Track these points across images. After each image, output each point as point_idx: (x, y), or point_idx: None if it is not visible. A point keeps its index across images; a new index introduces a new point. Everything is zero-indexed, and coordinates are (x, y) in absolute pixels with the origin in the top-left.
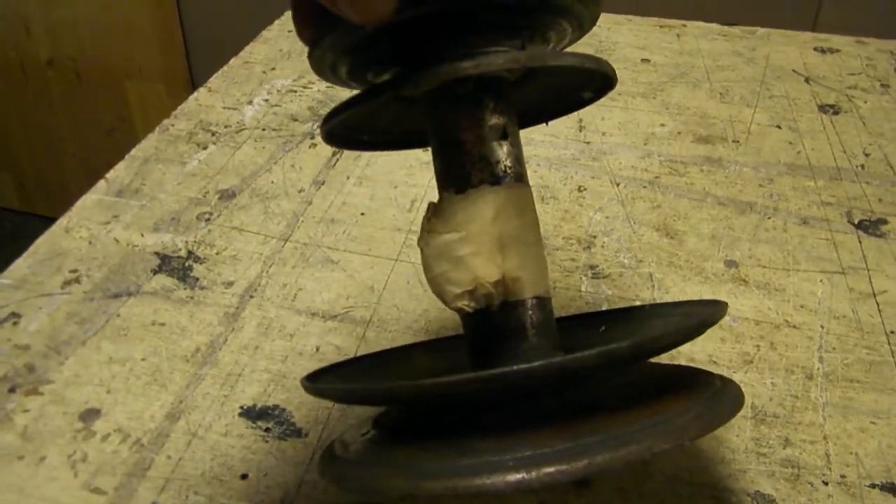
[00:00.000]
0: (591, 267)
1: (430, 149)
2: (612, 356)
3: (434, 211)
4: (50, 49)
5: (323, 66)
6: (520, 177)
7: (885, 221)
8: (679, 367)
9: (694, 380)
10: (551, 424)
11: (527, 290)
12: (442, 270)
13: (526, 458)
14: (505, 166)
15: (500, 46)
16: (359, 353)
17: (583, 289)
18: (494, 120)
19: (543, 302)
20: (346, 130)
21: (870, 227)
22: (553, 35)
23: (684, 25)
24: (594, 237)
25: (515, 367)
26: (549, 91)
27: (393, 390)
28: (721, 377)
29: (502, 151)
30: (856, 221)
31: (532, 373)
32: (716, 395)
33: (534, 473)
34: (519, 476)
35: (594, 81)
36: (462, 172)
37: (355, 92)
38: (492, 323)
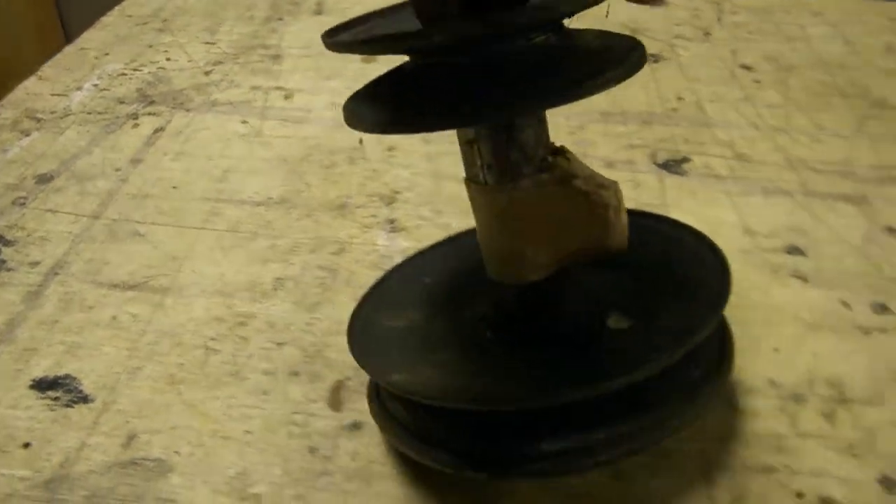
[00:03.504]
0: (390, 221)
1: None
2: None
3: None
4: None
5: None
6: None
7: (688, 160)
8: None
9: None
10: None
11: None
12: None
13: None
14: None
15: None
16: (154, 320)
17: (379, 242)
18: None
19: None
20: None
21: (673, 166)
22: None
23: None
24: (398, 193)
25: None
26: None
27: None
28: None
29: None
30: (660, 162)
31: None
32: None
33: None
34: None
35: None
36: None
37: None
38: None
